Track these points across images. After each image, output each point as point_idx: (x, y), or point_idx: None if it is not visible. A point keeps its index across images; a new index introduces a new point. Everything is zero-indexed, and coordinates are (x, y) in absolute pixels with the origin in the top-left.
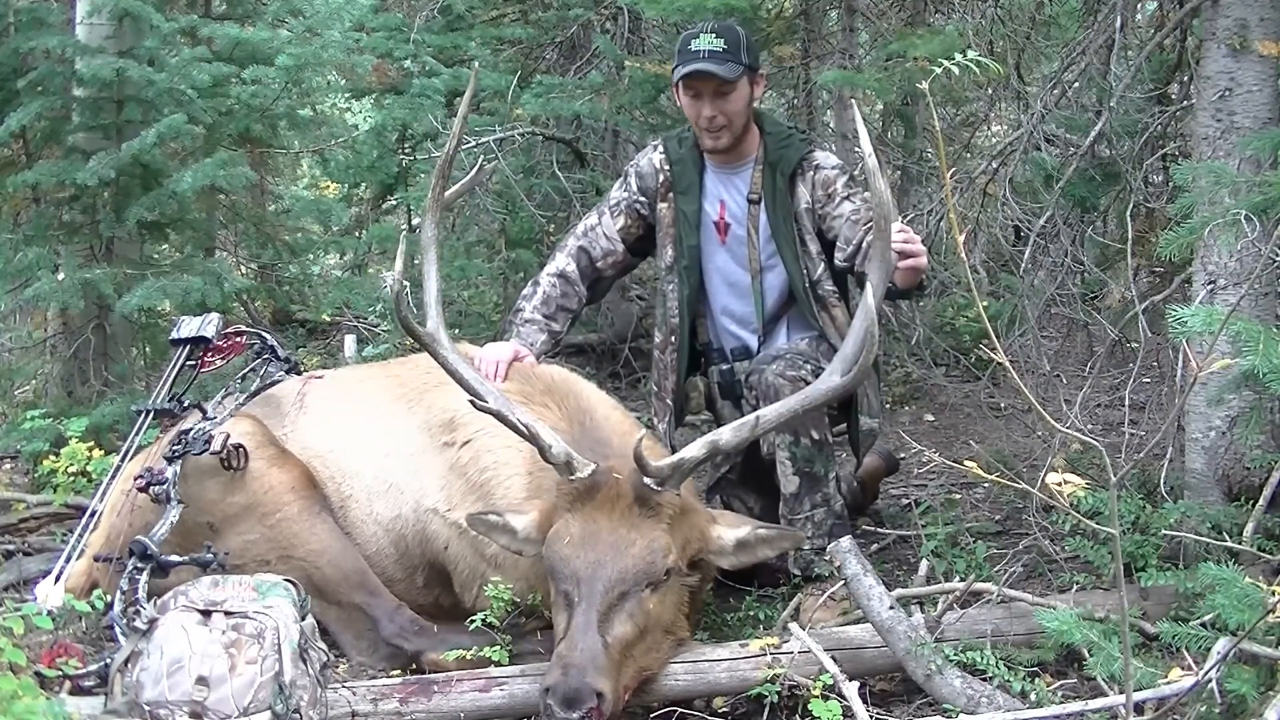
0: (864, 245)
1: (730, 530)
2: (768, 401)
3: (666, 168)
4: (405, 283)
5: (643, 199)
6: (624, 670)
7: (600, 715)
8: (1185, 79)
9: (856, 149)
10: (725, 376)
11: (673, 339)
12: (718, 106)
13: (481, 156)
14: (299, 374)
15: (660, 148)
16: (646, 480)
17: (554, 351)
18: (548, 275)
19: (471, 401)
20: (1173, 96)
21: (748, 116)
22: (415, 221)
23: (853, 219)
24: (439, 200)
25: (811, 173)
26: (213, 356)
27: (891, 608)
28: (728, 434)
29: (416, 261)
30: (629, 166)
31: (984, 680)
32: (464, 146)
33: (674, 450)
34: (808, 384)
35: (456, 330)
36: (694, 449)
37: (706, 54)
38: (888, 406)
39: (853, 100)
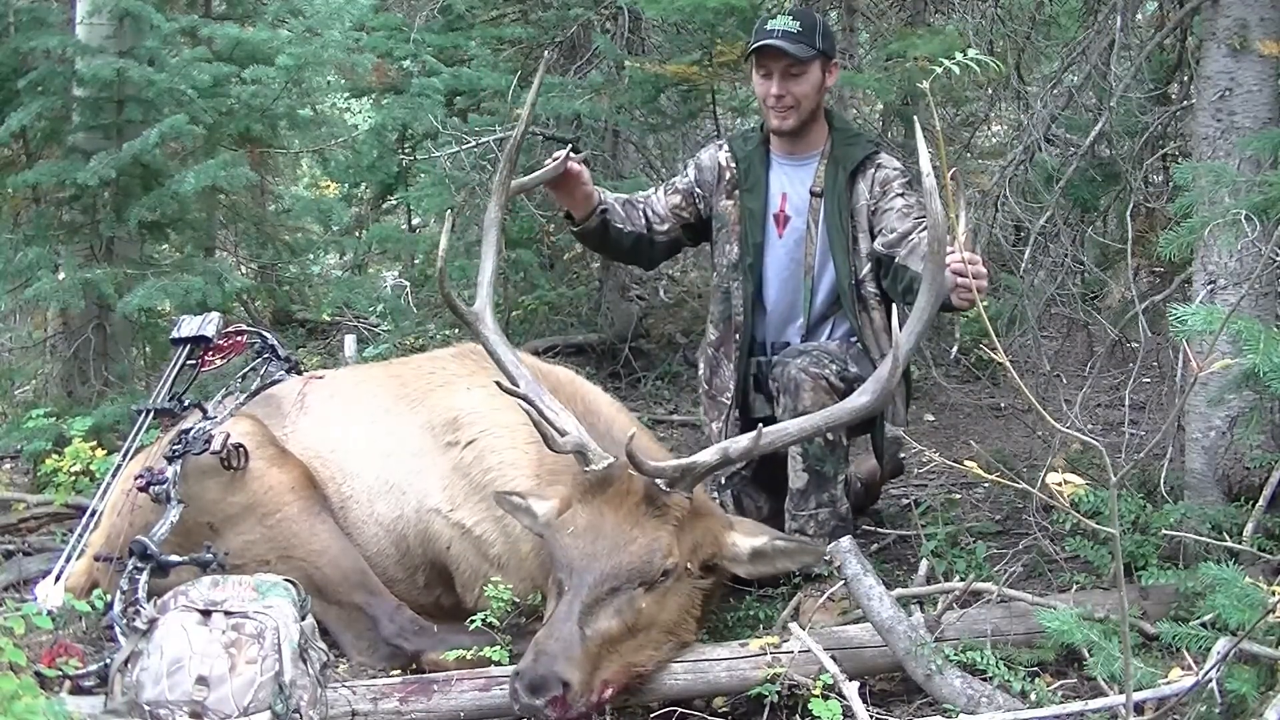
0: (906, 236)
1: (746, 538)
2: (789, 395)
3: (732, 165)
4: (444, 262)
5: (699, 190)
6: (603, 664)
7: (564, 705)
8: (1185, 79)
9: (914, 165)
10: (762, 369)
11: (736, 337)
12: (785, 86)
13: (569, 145)
14: (299, 374)
15: (725, 146)
16: (656, 480)
17: (596, 223)
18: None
19: (499, 383)
20: (1173, 96)
21: (817, 104)
22: (415, 221)
23: (903, 211)
24: (506, 183)
25: (873, 170)
26: (213, 356)
27: (884, 599)
28: (742, 442)
29: (418, 260)
30: (689, 160)
31: (984, 680)
32: (463, 146)
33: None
34: (829, 382)
35: (456, 330)
36: (707, 455)
37: (780, 33)
38: None
39: (916, 120)
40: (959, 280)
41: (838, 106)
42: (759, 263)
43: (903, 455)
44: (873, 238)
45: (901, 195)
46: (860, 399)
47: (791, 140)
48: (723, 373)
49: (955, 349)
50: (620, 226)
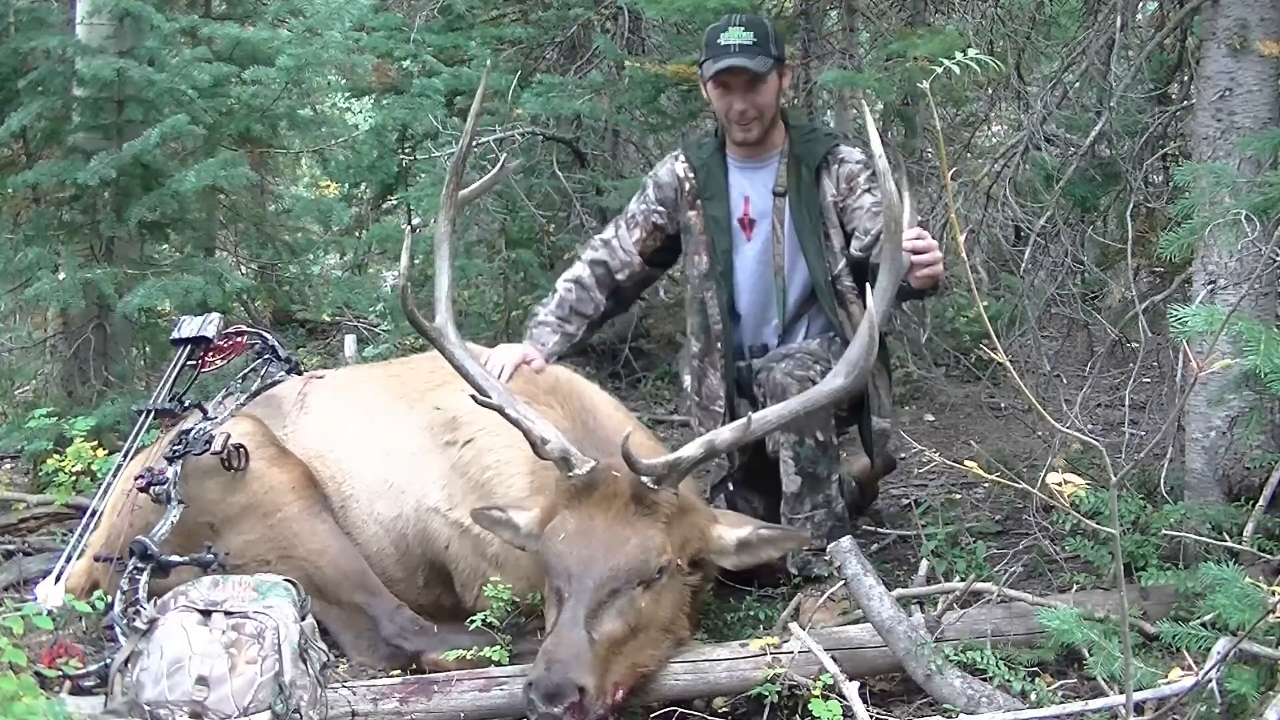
0: (880, 236)
1: (732, 530)
2: (775, 400)
3: (691, 176)
4: (408, 281)
5: (660, 209)
6: (612, 667)
7: (582, 710)
8: (1185, 79)
9: (866, 150)
10: (743, 374)
11: (718, 345)
12: (749, 100)
13: (505, 154)
14: (300, 374)
15: (681, 157)
16: (644, 478)
17: (568, 354)
18: (564, 281)
19: (473, 396)
20: (1173, 96)
21: (776, 108)
22: (416, 221)
23: (873, 210)
24: (453, 197)
25: (836, 166)
26: (213, 356)
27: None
28: (726, 434)
29: (417, 260)
30: (646, 178)
31: (984, 680)
32: None
33: None
34: (814, 383)
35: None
36: (691, 448)
37: (737, 48)
38: None
39: (861, 101)
40: (914, 259)
41: (838, 107)
42: (730, 269)
43: (903, 456)
44: (845, 233)
45: (869, 192)
46: (835, 380)
47: (753, 145)
48: (710, 381)
49: (926, 335)
50: (585, 335)
